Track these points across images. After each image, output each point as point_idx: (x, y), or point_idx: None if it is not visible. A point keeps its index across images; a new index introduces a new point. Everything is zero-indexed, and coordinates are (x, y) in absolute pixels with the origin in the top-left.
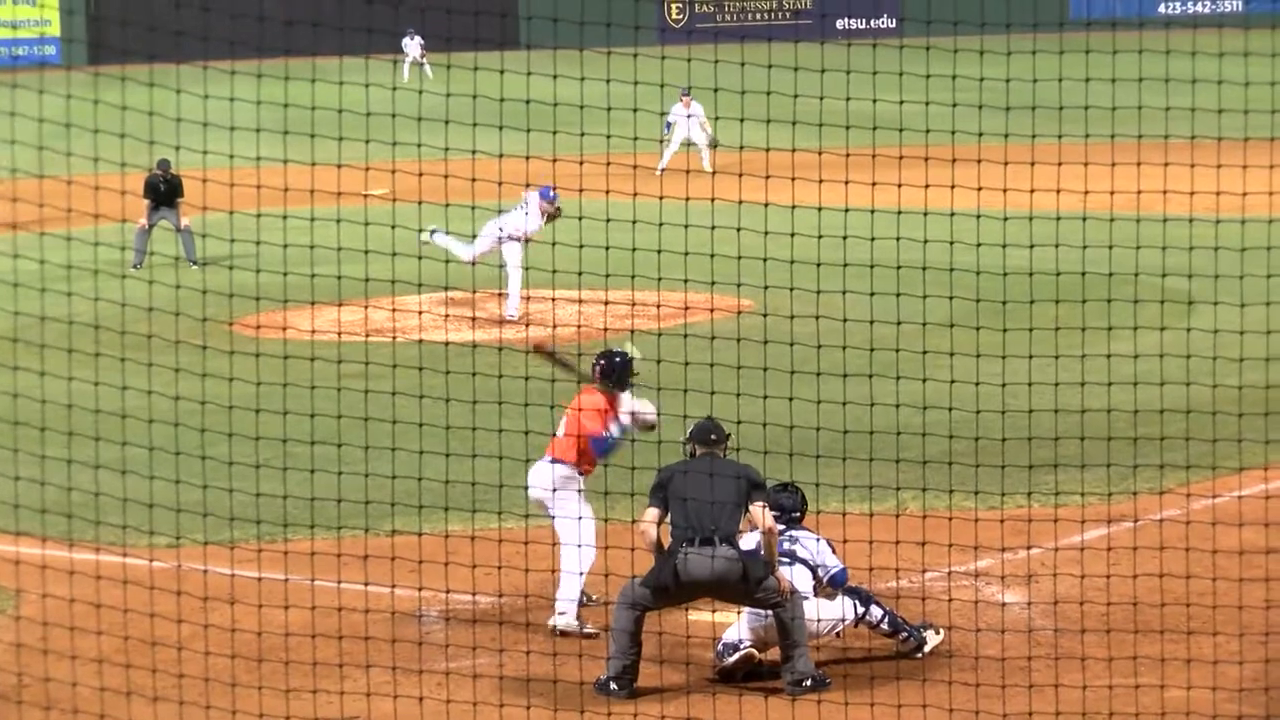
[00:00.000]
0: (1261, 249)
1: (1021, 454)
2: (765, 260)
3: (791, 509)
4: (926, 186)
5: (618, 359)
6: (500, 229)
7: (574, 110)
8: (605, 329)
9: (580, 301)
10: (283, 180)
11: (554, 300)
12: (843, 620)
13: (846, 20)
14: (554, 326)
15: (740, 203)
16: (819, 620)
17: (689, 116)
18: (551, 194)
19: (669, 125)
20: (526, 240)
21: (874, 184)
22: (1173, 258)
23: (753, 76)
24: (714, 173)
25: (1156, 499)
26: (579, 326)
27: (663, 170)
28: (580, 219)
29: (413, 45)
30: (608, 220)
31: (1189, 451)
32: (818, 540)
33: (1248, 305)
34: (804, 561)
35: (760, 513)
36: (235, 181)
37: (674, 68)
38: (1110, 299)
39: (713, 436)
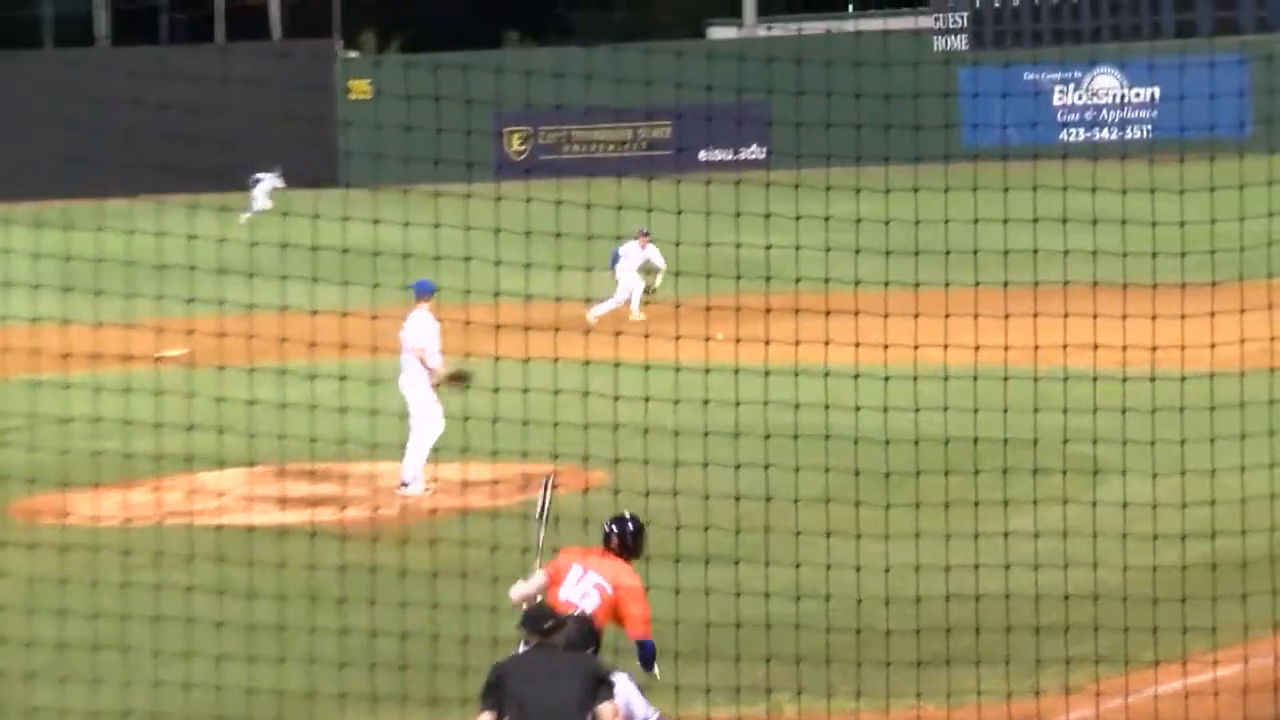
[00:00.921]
0: (1174, 409)
1: (909, 648)
2: (616, 428)
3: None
4: (797, 343)
5: (631, 524)
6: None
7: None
8: (434, 510)
9: (404, 485)
10: (63, 342)
11: (374, 475)
12: None
13: (709, 151)
14: (375, 509)
15: (587, 363)
16: None
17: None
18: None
19: (615, 260)
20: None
21: (738, 340)
22: (1076, 420)
23: (600, 220)
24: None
25: (1063, 699)
26: (403, 508)
27: (596, 319)
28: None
29: (264, 184)
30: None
31: (1098, 643)
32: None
33: (1160, 475)
34: None
35: (609, 715)
36: (7, 345)
37: (511, 210)
38: (1006, 468)
39: (547, 625)
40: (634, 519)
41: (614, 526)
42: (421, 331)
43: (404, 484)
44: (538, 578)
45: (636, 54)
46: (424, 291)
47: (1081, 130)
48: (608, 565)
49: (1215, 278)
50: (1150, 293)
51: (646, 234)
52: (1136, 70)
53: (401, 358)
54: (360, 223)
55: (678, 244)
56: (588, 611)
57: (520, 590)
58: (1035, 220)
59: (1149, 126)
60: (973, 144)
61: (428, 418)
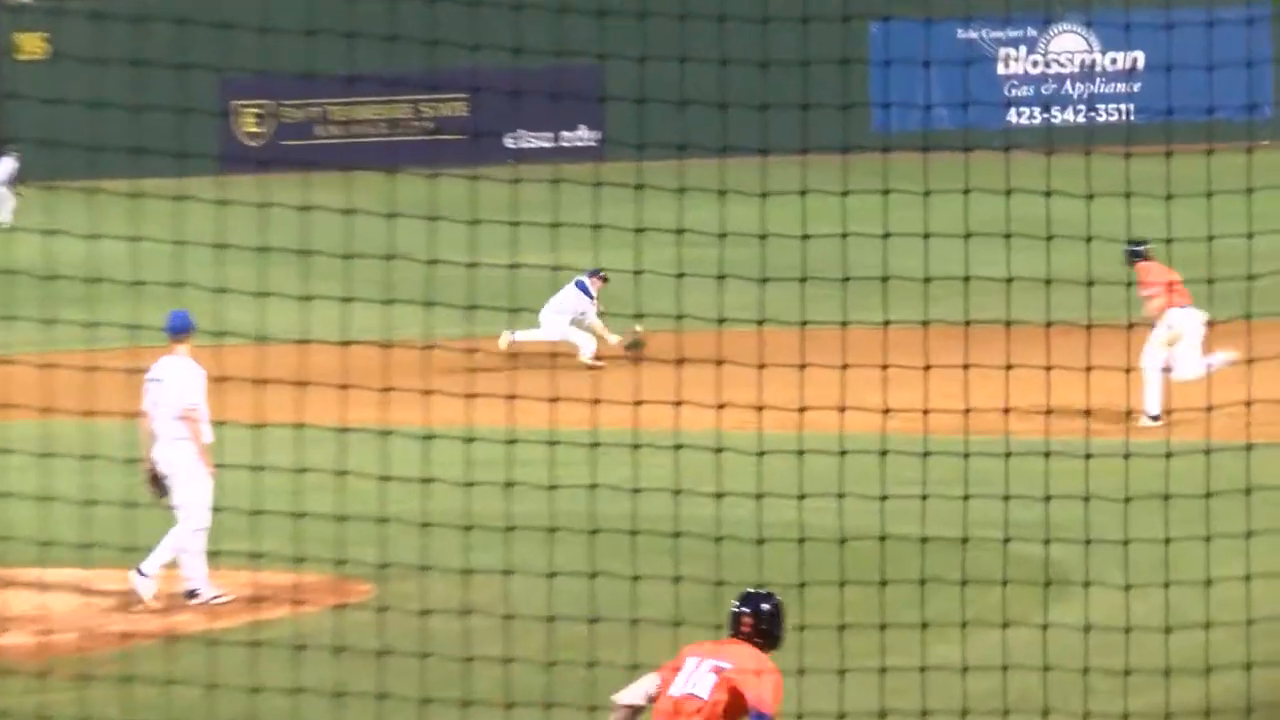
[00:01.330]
0: (1156, 497)
1: None
2: (384, 521)
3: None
4: (638, 402)
5: (767, 604)
6: None
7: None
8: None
9: (193, 594)
10: None
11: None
12: None
13: (517, 136)
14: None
15: (344, 430)
16: None
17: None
18: None
19: (582, 314)
20: None
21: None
22: (1021, 511)
23: (367, 231)
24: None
25: None
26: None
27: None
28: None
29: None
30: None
31: None
32: None
33: (1136, 587)
34: None
35: None
36: None
37: (241, 217)
38: (925, 578)
39: None
40: (770, 596)
41: (744, 607)
42: (185, 384)
43: (192, 593)
44: (647, 680)
45: (418, 2)
46: (182, 329)
47: (1036, 110)
48: (732, 650)
49: (1213, 315)
50: (1124, 335)
51: (603, 277)
52: (1110, 30)
53: (152, 423)
54: (29, 234)
55: (472, 265)
56: (704, 697)
57: (625, 697)
58: (968, 236)
59: (1127, 106)
60: (884, 129)
61: (198, 501)
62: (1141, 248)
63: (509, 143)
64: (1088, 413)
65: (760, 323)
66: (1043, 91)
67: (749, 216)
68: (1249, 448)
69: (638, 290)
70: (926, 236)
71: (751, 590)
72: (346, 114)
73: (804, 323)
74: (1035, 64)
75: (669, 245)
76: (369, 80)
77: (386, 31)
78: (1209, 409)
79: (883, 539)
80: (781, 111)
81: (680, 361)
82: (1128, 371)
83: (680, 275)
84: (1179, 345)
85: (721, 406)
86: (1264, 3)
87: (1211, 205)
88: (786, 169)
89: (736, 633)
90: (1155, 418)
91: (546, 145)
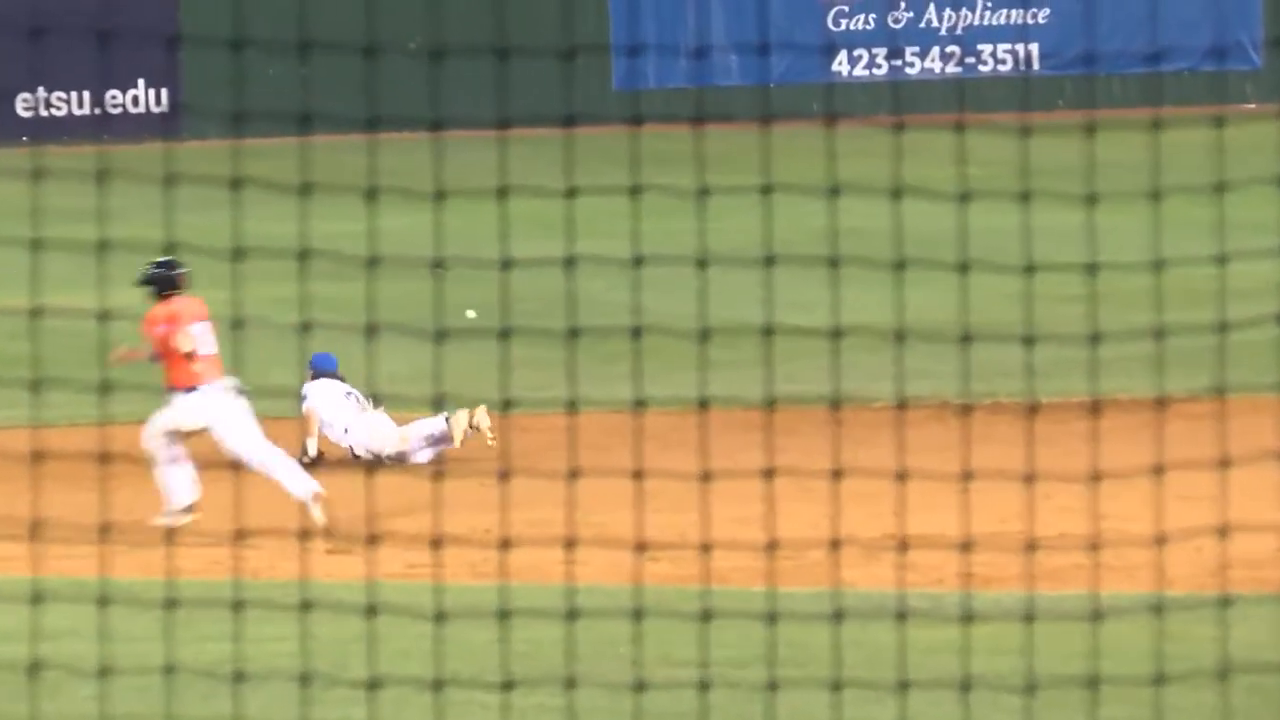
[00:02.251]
0: (1066, 685)
1: None
2: None
3: None
4: None
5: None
6: None
7: None
8: None
9: None
10: None
11: None
12: None
13: (39, 98)
14: None
15: None
16: None
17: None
18: None
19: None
20: None
21: None
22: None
23: None
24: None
25: None
26: None
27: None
28: None
29: None
30: None
31: None
32: None
33: None
34: None
35: None
36: None
37: None
38: None
39: None
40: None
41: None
42: None
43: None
44: None
45: None
46: None
47: (880, 55)
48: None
49: (1163, 388)
50: (1024, 420)
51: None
52: None
53: None
54: None
55: None
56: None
57: None
58: (770, 262)
59: (1023, 48)
60: (632, 86)
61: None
62: (174, 272)
63: (23, 109)
64: (965, 548)
65: (436, 404)
66: (890, 25)
67: (414, 228)
68: (1224, 603)
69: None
70: (703, 265)
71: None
72: None
73: (506, 403)
74: None
75: (287, 279)
76: None
77: None
78: (1159, 542)
79: None
80: (465, 62)
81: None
82: (1031, 481)
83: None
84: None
85: (373, 541)
86: None
87: (1160, 210)
88: (475, 150)
89: None
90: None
91: (85, 113)
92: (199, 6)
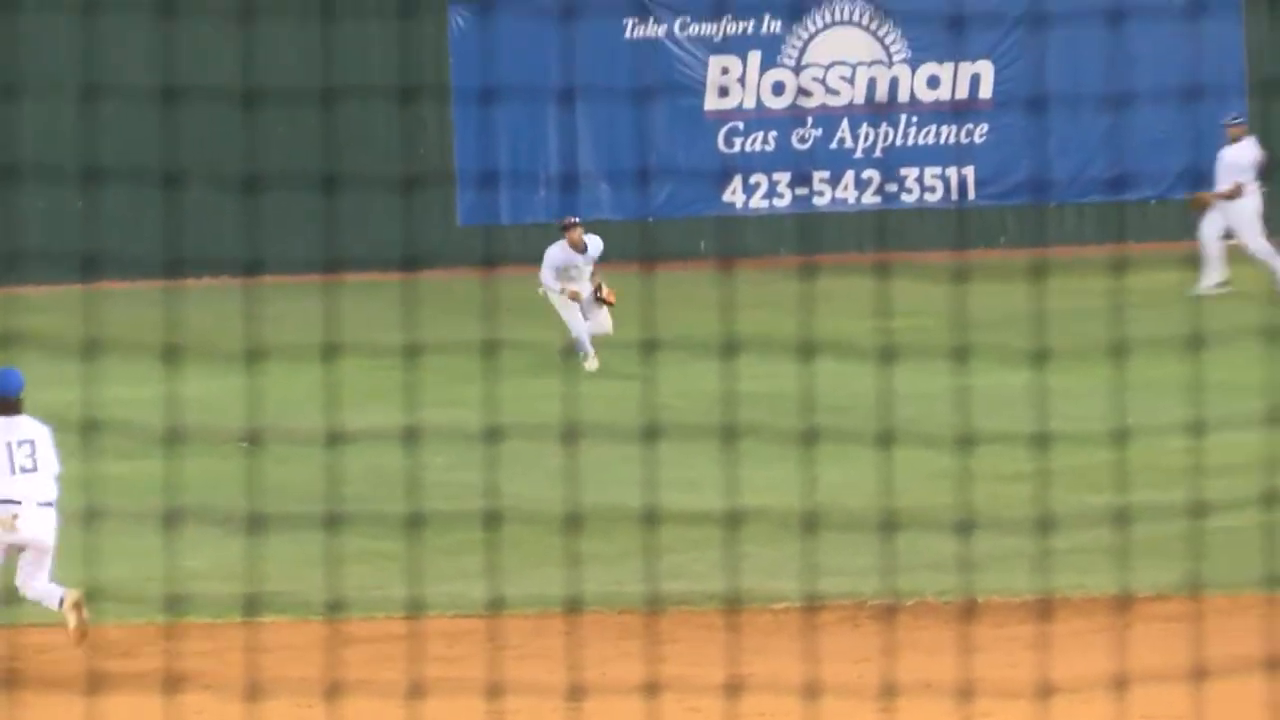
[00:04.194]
0: None
1: None
2: None
3: None
4: None
5: None
6: None
7: None
8: None
9: None
10: None
11: None
12: None
13: None
14: None
15: None
16: None
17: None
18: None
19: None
20: None
21: None
22: None
23: None
24: None
25: None
26: None
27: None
28: None
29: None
30: None
31: None
32: None
33: None
34: None
35: None
36: None
37: None
38: None
39: None
40: None
41: None
42: None
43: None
44: None
45: None
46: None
47: (782, 182)
48: None
49: (1127, 584)
50: (958, 624)
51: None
52: (923, 24)
53: None
54: None
55: None
56: None
57: None
58: (653, 434)
59: (956, 173)
60: (480, 221)
61: None
62: None
63: None
64: None
65: (250, 608)
66: (795, 145)
67: (221, 392)
68: None
69: None
70: (570, 439)
71: None
72: None
73: (332, 605)
74: (779, 90)
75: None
76: None
77: None
78: None
79: None
80: (286, 195)
81: None
82: (968, 697)
83: None
84: None
85: None
86: None
87: (1124, 369)
88: (299, 297)
89: None
90: None
91: None
92: None
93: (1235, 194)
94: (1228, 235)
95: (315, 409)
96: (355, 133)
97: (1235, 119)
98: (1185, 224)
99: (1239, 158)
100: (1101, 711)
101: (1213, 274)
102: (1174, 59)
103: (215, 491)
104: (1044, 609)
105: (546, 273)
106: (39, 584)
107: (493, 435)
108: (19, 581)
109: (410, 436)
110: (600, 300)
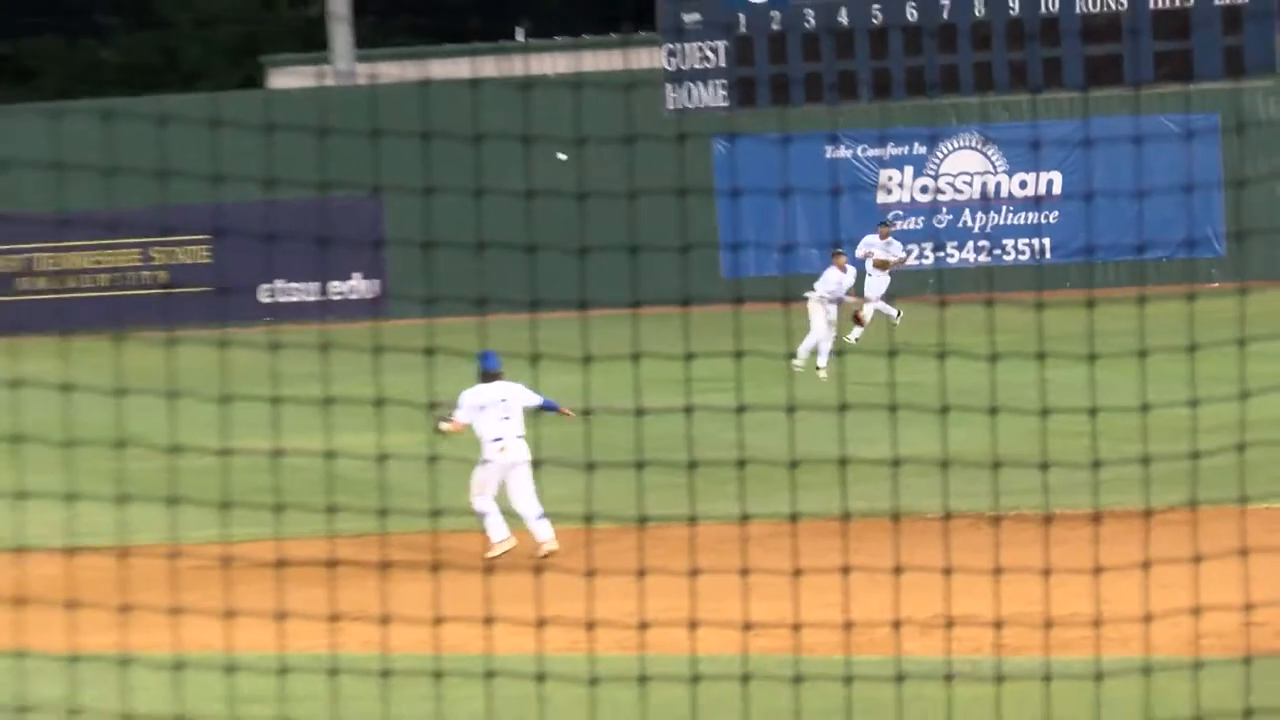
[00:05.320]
0: None
1: None
2: None
3: None
4: (439, 620)
5: None
6: None
7: None
8: None
9: None
10: None
11: None
12: None
13: (276, 288)
14: None
15: None
16: None
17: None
18: None
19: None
20: None
21: None
22: None
23: (91, 410)
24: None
25: None
26: None
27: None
28: None
29: None
30: None
31: None
32: None
33: None
34: None
35: None
36: None
37: None
38: None
39: None
40: None
41: None
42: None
43: None
44: None
45: (145, 122)
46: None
47: (927, 248)
48: None
49: (1149, 502)
50: (1041, 529)
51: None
52: (1016, 147)
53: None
54: None
55: (224, 452)
56: None
57: None
58: (843, 408)
59: (1038, 242)
60: (736, 274)
61: None
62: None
63: (264, 297)
64: (998, 625)
65: (588, 519)
66: (934, 225)
67: (569, 385)
68: (1197, 665)
69: (432, 479)
70: (791, 410)
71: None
72: (57, 262)
73: (642, 519)
74: (924, 190)
75: None
76: (84, 221)
77: (101, 153)
78: (1147, 619)
79: None
80: (606, 255)
81: (489, 569)
82: (1048, 574)
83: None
84: None
85: (542, 624)
86: (1209, 111)
87: (1145, 366)
88: (614, 326)
89: None
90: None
91: (311, 299)
92: (399, 215)
93: None
94: None
95: (627, 394)
96: (656, 217)
97: None
98: (1187, 273)
99: None
100: (1134, 581)
101: None
102: (1175, 166)
103: (563, 448)
104: (1096, 518)
105: (823, 285)
106: (524, 500)
107: (741, 410)
108: (513, 497)
109: (688, 411)
110: (857, 319)
